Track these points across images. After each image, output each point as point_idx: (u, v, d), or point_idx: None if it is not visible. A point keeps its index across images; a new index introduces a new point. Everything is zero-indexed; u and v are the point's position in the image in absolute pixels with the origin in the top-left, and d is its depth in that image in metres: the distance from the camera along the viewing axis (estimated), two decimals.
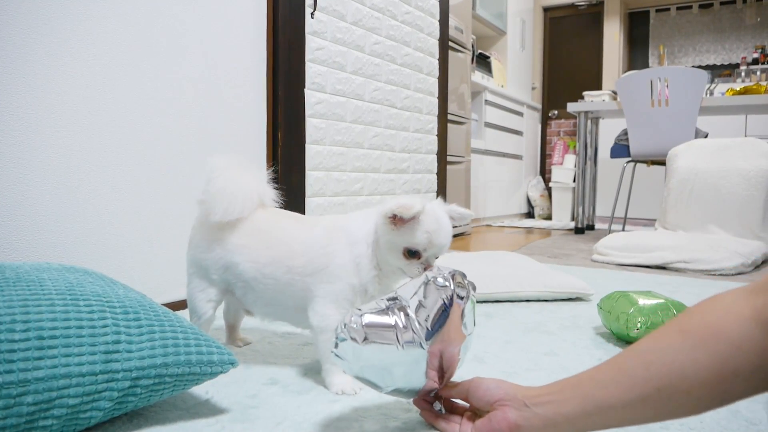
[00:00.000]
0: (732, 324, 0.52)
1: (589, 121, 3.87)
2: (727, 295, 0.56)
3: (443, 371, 0.78)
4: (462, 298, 0.77)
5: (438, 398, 0.80)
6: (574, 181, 4.80)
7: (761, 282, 0.54)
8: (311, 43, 1.92)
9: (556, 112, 5.86)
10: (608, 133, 4.39)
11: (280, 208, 1.13)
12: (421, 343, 0.74)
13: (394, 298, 0.78)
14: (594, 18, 5.74)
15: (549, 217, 5.38)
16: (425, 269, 0.91)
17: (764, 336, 0.50)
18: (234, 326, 1.21)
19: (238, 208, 1.02)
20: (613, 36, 5.58)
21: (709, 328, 0.54)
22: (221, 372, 0.83)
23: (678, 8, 5.55)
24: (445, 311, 0.75)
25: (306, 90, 1.91)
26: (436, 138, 2.77)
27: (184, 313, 1.45)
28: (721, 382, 0.53)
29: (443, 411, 0.79)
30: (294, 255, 0.99)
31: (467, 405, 0.77)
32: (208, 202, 1.02)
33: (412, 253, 0.93)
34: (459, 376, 0.81)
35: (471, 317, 0.79)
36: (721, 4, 5.37)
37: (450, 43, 3.18)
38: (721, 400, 0.55)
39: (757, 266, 2.39)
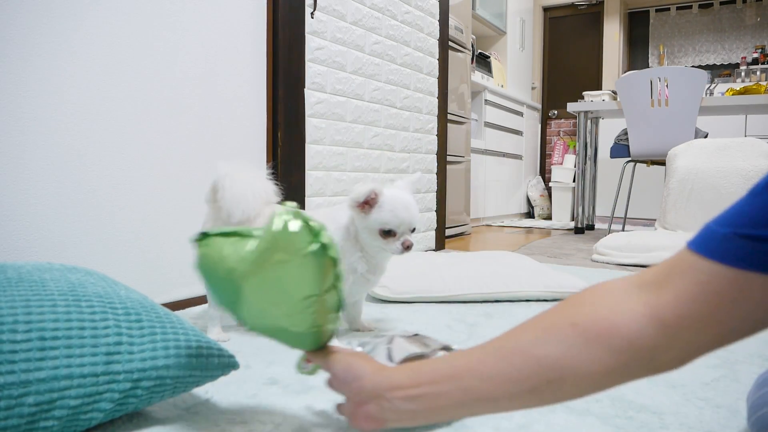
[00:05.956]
0: (625, 319, 0.51)
1: (589, 121, 3.87)
2: (615, 288, 0.54)
3: None
4: None
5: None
6: (574, 180, 4.80)
7: (650, 276, 0.53)
8: (311, 42, 1.92)
9: (555, 112, 5.86)
10: (608, 133, 4.39)
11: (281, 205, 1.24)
12: None
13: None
14: (594, 18, 5.74)
15: (549, 217, 5.38)
16: (404, 245, 1.08)
17: (657, 334, 0.49)
18: None
19: (253, 208, 1.15)
20: (613, 36, 5.58)
21: (602, 322, 0.52)
22: (222, 374, 0.83)
23: (678, 8, 5.55)
24: None
25: (306, 90, 1.91)
26: (435, 138, 2.77)
27: (184, 314, 1.45)
28: (610, 376, 0.53)
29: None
30: None
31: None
32: (227, 208, 1.14)
33: (386, 233, 1.08)
34: None
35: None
36: (721, 4, 5.37)
37: (450, 43, 3.18)
38: (603, 389, 0.55)
39: None
